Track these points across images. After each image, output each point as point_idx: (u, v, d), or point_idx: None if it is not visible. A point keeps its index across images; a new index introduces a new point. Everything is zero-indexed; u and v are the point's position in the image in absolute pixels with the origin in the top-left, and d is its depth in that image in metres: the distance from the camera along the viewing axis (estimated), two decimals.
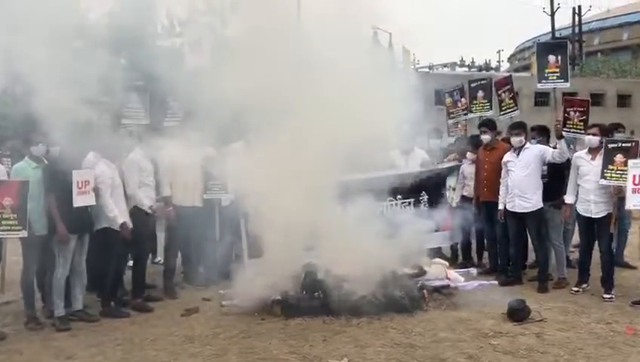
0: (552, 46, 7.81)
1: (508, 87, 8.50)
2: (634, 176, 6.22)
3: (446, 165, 8.47)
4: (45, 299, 6.22)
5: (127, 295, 6.75)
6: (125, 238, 6.19)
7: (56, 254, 5.82)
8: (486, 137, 7.81)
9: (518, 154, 7.17)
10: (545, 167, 7.18)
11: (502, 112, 8.51)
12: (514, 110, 8.37)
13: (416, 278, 6.56)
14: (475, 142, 8.35)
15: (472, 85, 8.99)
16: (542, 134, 7.66)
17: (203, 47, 7.43)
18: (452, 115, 9.55)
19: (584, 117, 7.28)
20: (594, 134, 6.79)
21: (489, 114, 8.62)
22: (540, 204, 7.08)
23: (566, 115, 7.39)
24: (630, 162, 6.28)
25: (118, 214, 6.10)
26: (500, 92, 8.55)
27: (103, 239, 6.13)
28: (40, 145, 5.92)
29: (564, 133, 7.01)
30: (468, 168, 8.25)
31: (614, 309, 6.19)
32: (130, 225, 6.26)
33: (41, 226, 5.82)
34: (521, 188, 7.08)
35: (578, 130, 7.29)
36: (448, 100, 9.71)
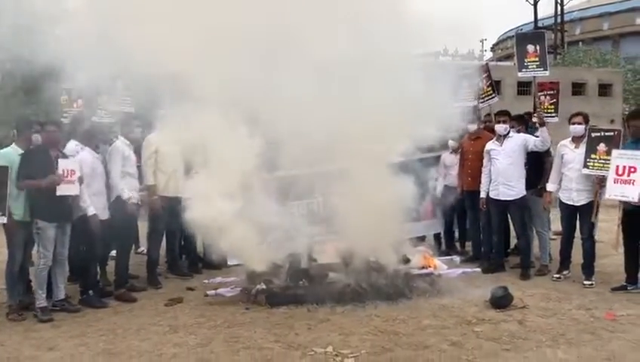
0: (530, 36, 7.90)
1: (485, 74, 8.51)
2: (617, 167, 6.27)
3: (428, 155, 8.50)
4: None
5: (110, 285, 6.70)
6: (96, 229, 6.10)
7: (37, 244, 5.74)
8: (472, 125, 7.85)
9: (501, 143, 7.22)
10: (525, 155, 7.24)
11: (481, 100, 8.53)
12: (492, 97, 8.40)
13: (400, 266, 6.59)
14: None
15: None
16: (520, 123, 7.70)
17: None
18: None
19: (554, 100, 7.34)
20: (578, 123, 6.85)
21: (473, 104, 8.65)
22: (524, 192, 7.15)
23: (537, 99, 7.46)
24: (614, 152, 6.32)
25: (89, 205, 6.04)
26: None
27: (83, 227, 6.05)
28: (37, 134, 5.89)
29: (534, 119, 7.07)
30: (449, 157, 8.29)
31: (595, 295, 6.29)
32: (100, 217, 6.19)
33: (23, 213, 5.74)
34: (505, 176, 7.13)
35: (549, 114, 7.35)
36: None
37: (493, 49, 58.32)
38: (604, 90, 31.71)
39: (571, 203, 6.80)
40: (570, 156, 6.82)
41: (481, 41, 65.39)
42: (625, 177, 6.21)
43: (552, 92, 7.49)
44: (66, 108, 7.28)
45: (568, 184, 6.81)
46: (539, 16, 39.49)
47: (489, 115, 8.47)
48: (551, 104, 7.43)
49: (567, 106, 7.80)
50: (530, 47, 7.37)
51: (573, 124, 6.87)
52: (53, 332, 5.36)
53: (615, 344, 4.86)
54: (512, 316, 5.58)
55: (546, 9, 41.10)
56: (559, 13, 39.59)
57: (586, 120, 6.92)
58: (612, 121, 26.67)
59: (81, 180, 5.89)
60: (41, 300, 5.75)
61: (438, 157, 8.44)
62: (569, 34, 44.28)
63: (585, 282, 6.66)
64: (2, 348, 5.00)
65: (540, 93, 7.49)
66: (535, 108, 7.50)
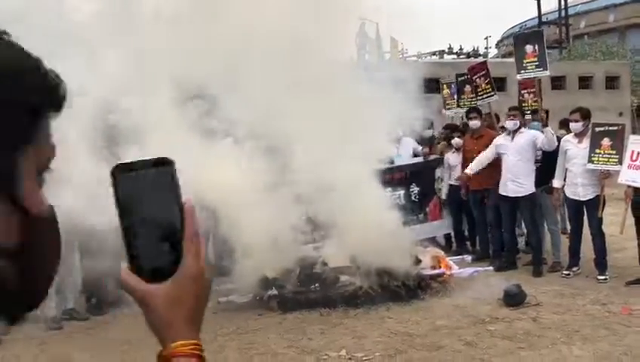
0: (528, 36, 7.82)
1: (483, 72, 8.40)
2: (632, 152, 6.30)
3: (434, 156, 8.50)
4: None
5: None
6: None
7: None
8: (475, 123, 7.80)
9: (512, 138, 7.18)
10: (539, 152, 7.19)
11: (479, 98, 8.44)
12: (491, 95, 8.27)
13: (411, 267, 6.57)
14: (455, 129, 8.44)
15: (459, 79, 8.95)
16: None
17: None
18: (448, 106, 9.53)
19: (537, 98, 7.36)
20: (575, 120, 6.81)
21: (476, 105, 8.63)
22: (533, 189, 7.11)
23: (521, 97, 7.44)
24: (631, 137, 6.46)
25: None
26: (474, 77, 8.49)
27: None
28: None
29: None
30: (453, 157, 8.24)
31: (609, 290, 6.24)
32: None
33: None
34: (514, 172, 7.10)
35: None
36: (445, 91, 9.70)
37: (498, 46, 58.12)
38: (612, 82, 31.42)
39: (577, 198, 6.76)
40: (573, 151, 6.78)
41: (486, 38, 65.48)
42: (638, 163, 6.24)
43: (534, 90, 7.46)
44: None
45: (573, 179, 6.77)
46: (543, 11, 39.32)
47: (489, 113, 8.38)
48: (534, 101, 7.42)
49: (574, 101, 7.81)
50: (529, 48, 7.28)
51: (570, 121, 6.85)
52: (68, 345, 5.38)
53: (631, 338, 4.82)
54: (526, 314, 5.54)
55: (550, 3, 40.92)
56: (563, 7, 39.41)
57: (585, 116, 6.85)
58: (620, 114, 26.38)
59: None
60: (50, 310, 5.79)
61: (441, 159, 8.42)
62: (574, 27, 44.03)
63: (599, 277, 6.61)
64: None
65: (523, 91, 7.48)
66: (520, 103, 7.49)
